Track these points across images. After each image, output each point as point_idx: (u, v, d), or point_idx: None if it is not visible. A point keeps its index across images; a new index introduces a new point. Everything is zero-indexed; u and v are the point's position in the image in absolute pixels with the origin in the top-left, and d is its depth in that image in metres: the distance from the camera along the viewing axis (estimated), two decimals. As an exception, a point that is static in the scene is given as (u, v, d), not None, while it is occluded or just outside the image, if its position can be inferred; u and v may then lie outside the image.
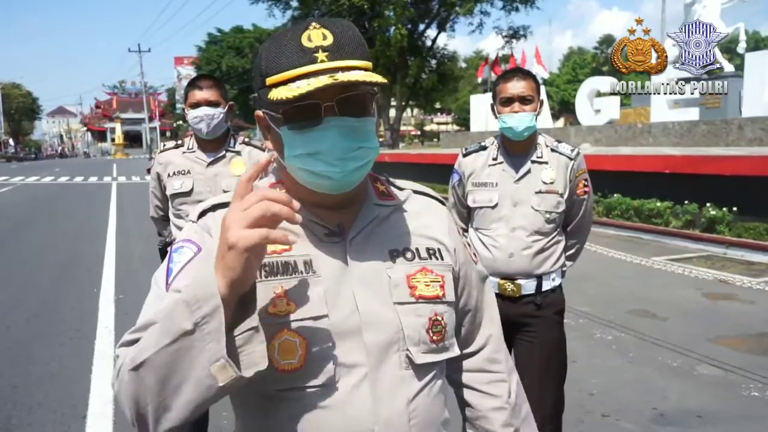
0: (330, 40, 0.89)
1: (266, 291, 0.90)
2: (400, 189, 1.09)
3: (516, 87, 2.32)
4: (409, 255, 1.00)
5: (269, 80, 0.90)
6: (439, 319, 0.98)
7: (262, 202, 0.78)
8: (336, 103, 0.88)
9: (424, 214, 1.07)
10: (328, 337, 0.89)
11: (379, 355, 0.92)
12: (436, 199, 1.13)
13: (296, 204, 0.81)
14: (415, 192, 1.11)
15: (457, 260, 1.07)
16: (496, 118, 2.39)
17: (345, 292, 0.93)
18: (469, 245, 1.16)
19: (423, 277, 0.99)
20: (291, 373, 0.88)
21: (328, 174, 0.91)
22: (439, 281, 1.00)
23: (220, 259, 0.79)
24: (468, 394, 1.13)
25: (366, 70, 0.90)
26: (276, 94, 0.88)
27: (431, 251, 1.02)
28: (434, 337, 0.96)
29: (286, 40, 0.90)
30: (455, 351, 1.02)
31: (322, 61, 0.87)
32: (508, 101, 2.32)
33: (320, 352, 0.89)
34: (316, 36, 0.89)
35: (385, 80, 0.92)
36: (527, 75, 2.37)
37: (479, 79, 26.61)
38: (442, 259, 1.03)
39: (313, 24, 0.91)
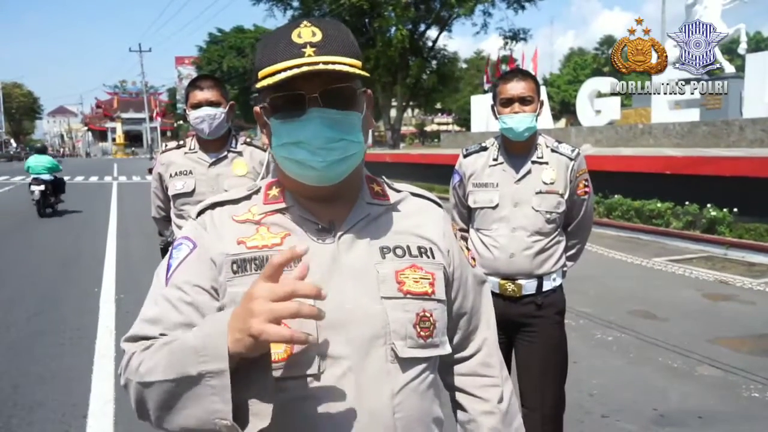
0: (319, 36, 0.93)
1: None
2: (398, 191, 1.11)
3: (516, 88, 2.32)
4: (399, 252, 1.01)
5: (260, 73, 0.95)
6: (428, 315, 0.99)
7: (293, 305, 0.78)
8: (320, 95, 0.92)
9: (418, 215, 1.09)
10: (314, 329, 0.91)
11: (364, 348, 0.93)
12: (434, 201, 1.15)
13: (324, 293, 0.81)
14: (413, 194, 1.13)
15: (452, 262, 1.08)
16: (497, 118, 2.40)
17: (333, 286, 0.95)
18: (467, 249, 1.16)
19: (412, 274, 1.00)
20: (277, 363, 0.90)
21: (310, 163, 0.94)
22: (428, 279, 1.01)
23: (239, 322, 0.80)
24: (460, 397, 1.14)
25: (354, 67, 0.93)
26: (261, 83, 0.93)
27: (422, 249, 1.04)
28: (422, 333, 0.97)
29: (278, 37, 0.95)
30: (445, 349, 1.03)
31: (309, 56, 0.92)
32: (508, 102, 2.32)
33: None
34: (306, 33, 0.93)
35: (366, 73, 0.95)
36: (527, 76, 2.37)
37: (487, 87, 26.50)
38: (434, 257, 1.04)
39: (305, 22, 0.95)
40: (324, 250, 0.98)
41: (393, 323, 0.95)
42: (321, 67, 0.90)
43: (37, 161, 12.72)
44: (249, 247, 0.98)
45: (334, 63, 0.91)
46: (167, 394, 0.84)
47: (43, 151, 13.67)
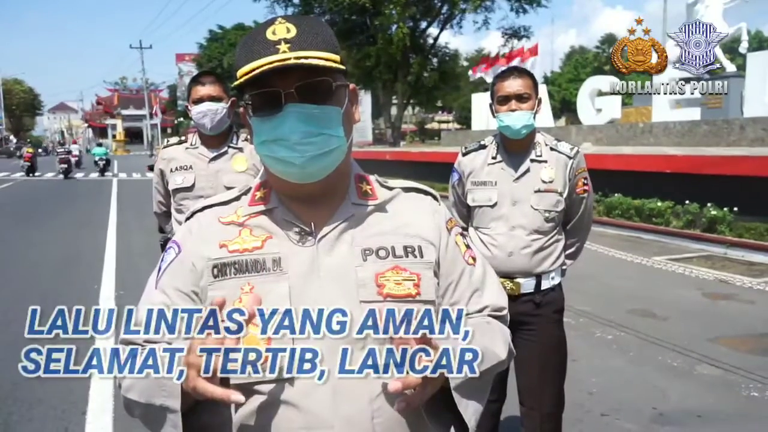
0: (293, 33, 0.93)
1: (235, 288, 0.95)
2: (390, 188, 1.09)
3: (512, 85, 2.32)
4: (382, 253, 0.99)
5: (238, 73, 0.95)
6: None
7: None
8: (296, 90, 0.91)
9: (408, 212, 1.06)
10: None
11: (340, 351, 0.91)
12: (430, 194, 1.12)
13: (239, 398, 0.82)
14: (406, 190, 1.10)
15: (443, 257, 1.05)
16: (494, 117, 2.39)
17: (311, 290, 0.94)
18: (466, 246, 1.12)
19: (394, 276, 0.97)
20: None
21: (290, 159, 0.94)
22: (413, 279, 0.98)
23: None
24: None
25: (330, 61, 0.93)
26: (236, 82, 0.94)
27: (409, 249, 1.01)
28: None
29: (255, 36, 0.95)
30: None
31: (283, 52, 0.91)
32: (505, 100, 2.32)
33: (281, 347, 0.89)
34: (281, 30, 0.93)
35: (336, 65, 0.94)
36: (524, 73, 2.37)
37: (475, 76, 26.36)
38: (422, 257, 1.01)
39: (279, 19, 0.95)
40: (303, 253, 0.97)
41: None
42: (292, 61, 0.89)
43: (97, 150, 27.12)
44: (230, 251, 0.98)
45: (307, 57, 0.91)
46: (142, 411, 0.93)
47: (100, 145, 25.68)
